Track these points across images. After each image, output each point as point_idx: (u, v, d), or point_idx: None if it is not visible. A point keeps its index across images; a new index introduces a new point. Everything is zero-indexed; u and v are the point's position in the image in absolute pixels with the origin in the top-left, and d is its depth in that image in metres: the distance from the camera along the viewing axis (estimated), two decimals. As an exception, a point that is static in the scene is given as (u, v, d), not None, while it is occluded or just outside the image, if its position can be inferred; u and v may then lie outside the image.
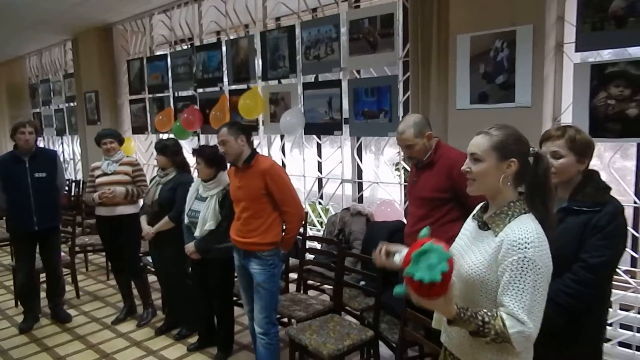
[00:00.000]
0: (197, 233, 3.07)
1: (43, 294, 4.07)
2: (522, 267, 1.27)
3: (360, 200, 4.34)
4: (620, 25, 2.48)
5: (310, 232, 4.38)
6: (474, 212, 1.54)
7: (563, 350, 1.73)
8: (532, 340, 1.28)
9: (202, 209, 3.05)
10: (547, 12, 2.69)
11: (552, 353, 1.68)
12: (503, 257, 1.31)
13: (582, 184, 1.75)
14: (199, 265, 3.17)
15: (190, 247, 3.10)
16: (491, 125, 1.44)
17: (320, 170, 4.91)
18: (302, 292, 3.50)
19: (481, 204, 1.52)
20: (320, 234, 4.33)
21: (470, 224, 1.53)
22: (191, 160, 3.39)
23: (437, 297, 1.22)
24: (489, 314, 1.29)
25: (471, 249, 1.43)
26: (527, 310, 1.25)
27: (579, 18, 2.60)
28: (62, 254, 4.18)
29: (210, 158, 3.05)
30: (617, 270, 2.81)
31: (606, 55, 2.75)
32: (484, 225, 1.43)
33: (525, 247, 1.28)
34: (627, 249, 2.78)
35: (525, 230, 1.30)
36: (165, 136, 5.96)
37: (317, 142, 4.88)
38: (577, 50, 2.67)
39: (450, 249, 1.45)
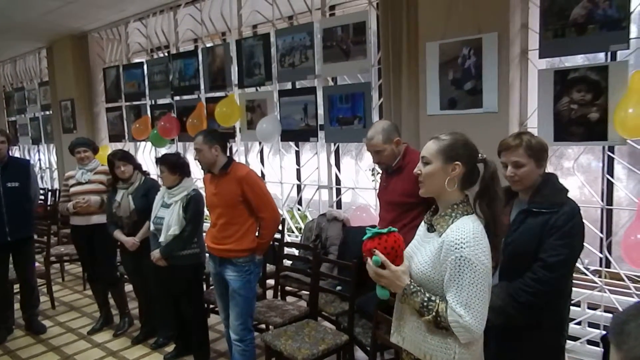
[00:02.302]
0: (161, 239, 3.07)
1: (17, 305, 4.01)
2: (459, 266, 1.35)
3: (339, 205, 4.38)
4: (581, 32, 2.57)
5: (288, 239, 4.40)
6: (425, 215, 1.60)
7: (525, 345, 1.79)
8: (473, 332, 1.35)
9: (167, 214, 3.06)
10: (511, 20, 2.77)
11: (514, 348, 1.73)
12: (444, 257, 1.39)
13: (540, 186, 1.83)
14: (168, 273, 3.15)
15: (155, 253, 3.09)
16: (443, 132, 1.51)
17: (298, 176, 4.93)
18: (279, 298, 3.51)
19: (431, 208, 1.58)
20: (298, 240, 4.35)
21: (421, 228, 1.60)
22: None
23: (370, 248, 1.44)
24: (436, 296, 1.40)
25: (419, 250, 1.51)
26: (464, 305, 1.34)
27: (542, 26, 2.69)
28: (37, 264, 4.12)
29: (173, 164, 3.07)
30: (585, 270, 2.90)
31: (579, 60, 2.84)
32: (430, 227, 1.51)
33: (462, 247, 1.35)
34: (594, 251, 2.88)
35: (462, 231, 1.38)
36: (141, 144, 5.95)
37: (295, 149, 4.92)
38: (540, 57, 2.76)
39: (404, 252, 1.53)
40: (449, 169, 1.45)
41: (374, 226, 1.72)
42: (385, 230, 1.46)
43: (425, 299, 1.40)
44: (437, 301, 1.39)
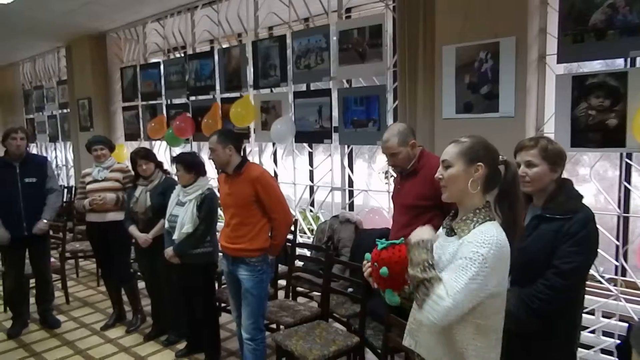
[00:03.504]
0: (175, 236, 3.10)
1: (32, 300, 4.07)
2: (471, 258, 1.33)
3: (351, 207, 4.38)
4: (600, 37, 2.54)
5: (300, 240, 4.41)
6: (445, 220, 1.59)
7: (536, 354, 1.77)
8: (440, 318, 1.32)
9: (181, 212, 3.09)
10: (529, 25, 2.76)
11: (526, 356, 1.72)
12: (461, 252, 1.37)
13: (555, 192, 1.81)
14: (180, 271, 3.18)
15: (169, 251, 3.13)
16: (462, 135, 1.50)
17: (311, 178, 4.95)
18: (290, 298, 3.52)
19: (451, 213, 1.57)
20: (310, 241, 4.36)
21: (440, 234, 1.57)
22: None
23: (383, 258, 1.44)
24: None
25: (438, 255, 1.48)
26: (455, 291, 1.31)
27: (560, 30, 2.67)
28: (52, 259, 4.19)
29: (189, 163, 3.11)
30: (601, 278, 2.87)
31: (596, 67, 2.82)
32: (450, 231, 1.49)
33: (482, 245, 1.33)
34: (610, 259, 2.84)
35: (486, 234, 1.36)
36: (156, 143, 6.01)
37: (309, 151, 4.93)
38: (558, 62, 2.73)
39: None
40: (471, 171, 1.43)
41: (382, 235, 1.72)
42: (398, 242, 1.47)
43: (428, 261, 1.36)
44: (435, 272, 1.35)
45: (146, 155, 3.47)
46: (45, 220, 3.74)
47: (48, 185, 3.83)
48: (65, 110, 7.44)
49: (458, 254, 1.37)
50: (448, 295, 1.31)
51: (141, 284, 4.02)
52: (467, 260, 1.33)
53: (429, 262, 1.37)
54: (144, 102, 5.99)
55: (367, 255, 1.51)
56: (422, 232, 1.44)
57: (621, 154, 2.97)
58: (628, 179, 2.99)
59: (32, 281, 4.04)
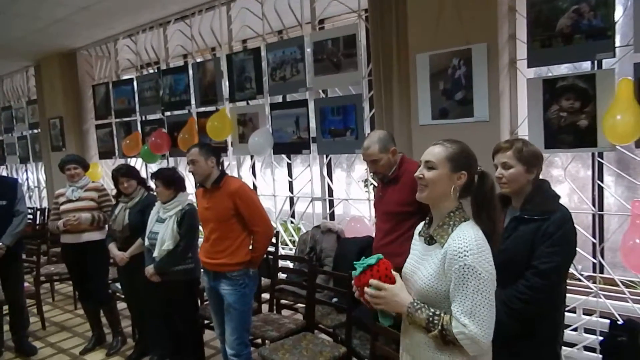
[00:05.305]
0: (155, 254, 3.03)
1: (7, 327, 3.91)
2: (463, 274, 1.33)
3: (332, 217, 4.37)
4: (567, 42, 2.62)
5: (282, 251, 4.38)
6: (419, 229, 1.60)
7: (519, 353, 1.78)
8: (480, 342, 1.32)
9: (161, 229, 3.03)
10: (499, 31, 2.82)
11: (509, 356, 1.73)
12: (448, 267, 1.37)
13: (532, 193, 1.84)
14: (162, 289, 3.11)
15: (149, 269, 3.05)
16: (445, 139, 1.51)
17: (291, 189, 4.93)
18: (275, 312, 3.48)
19: (423, 221, 1.58)
20: (293, 252, 4.33)
21: (417, 243, 1.58)
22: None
23: (367, 281, 1.44)
24: (441, 311, 1.38)
25: (422, 264, 1.48)
26: (468, 314, 1.32)
27: (529, 36, 2.75)
28: (27, 284, 4.05)
29: (168, 179, 3.05)
30: (580, 276, 2.92)
31: (564, 70, 2.90)
32: (430, 240, 1.49)
33: (465, 255, 1.34)
34: (588, 256, 2.90)
35: (465, 239, 1.37)
36: (132, 160, 5.91)
37: (288, 162, 4.92)
38: (529, 66, 2.81)
39: (403, 269, 1.54)
40: (454, 177, 1.44)
41: (364, 244, 1.72)
42: (374, 260, 1.46)
43: (430, 314, 1.38)
44: (442, 315, 1.36)
45: (127, 172, 3.40)
46: (1, 244, 3.55)
47: (16, 207, 3.71)
48: (35, 131, 7.26)
49: (447, 268, 1.37)
50: (465, 325, 1.31)
51: (121, 305, 3.91)
52: (460, 278, 1.34)
53: (431, 314, 1.37)
54: (118, 119, 5.90)
55: (354, 272, 1.51)
56: (395, 298, 1.42)
57: (593, 154, 3.05)
58: (600, 177, 3.06)
59: (6, 308, 3.90)
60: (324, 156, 4.20)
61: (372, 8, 3.41)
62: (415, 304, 1.40)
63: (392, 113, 3.35)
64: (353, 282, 1.51)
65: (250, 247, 2.82)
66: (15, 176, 8.11)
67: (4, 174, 8.23)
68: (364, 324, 2.82)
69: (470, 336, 1.31)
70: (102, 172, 6.20)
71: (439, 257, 1.41)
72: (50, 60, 6.43)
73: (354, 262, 1.50)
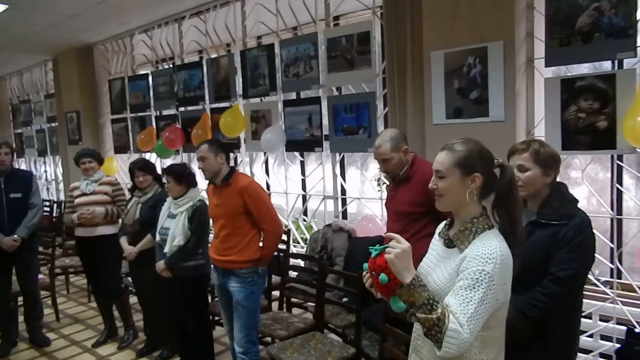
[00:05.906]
0: (166, 249, 3.04)
1: (21, 318, 3.98)
2: (477, 278, 1.27)
3: (345, 216, 4.34)
4: (587, 40, 2.55)
5: (293, 249, 4.37)
6: (439, 229, 1.54)
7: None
8: (460, 348, 1.25)
9: (172, 225, 3.04)
10: (516, 29, 2.75)
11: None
12: (464, 267, 1.32)
13: (549, 197, 1.78)
14: (172, 284, 3.12)
15: (160, 264, 3.06)
16: (456, 140, 1.44)
17: (304, 187, 4.91)
18: (284, 310, 3.47)
19: (445, 220, 1.52)
20: (304, 251, 4.32)
21: (436, 243, 1.53)
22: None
23: (382, 262, 1.32)
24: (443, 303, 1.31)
25: (438, 267, 1.44)
26: (467, 318, 1.25)
27: (547, 34, 2.67)
28: (42, 276, 4.11)
29: (179, 175, 3.06)
30: (597, 281, 2.85)
31: (584, 69, 2.82)
32: (450, 243, 1.43)
33: (487, 262, 1.28)
34: (605, 261, 2.83)
35: (489, 246, 1.31)
36: (147, 155, 5.95)
37: (300, 159, 4.90)
38: (546, 66, 2.73)
39: (419, 267, 1.48)
40: (467, 182, 1.38)
41: (375, 243, 1.67)
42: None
43: (431, 297, 1.29)
44: (439, 305, 1.28)
45: (144, 166, 3.43)
46: (16, 236, 3.61)
47: (30, 200, 3.76)
48: (53, 124, 7.36)
49: (461, 269, 1.32)
50: (462, 326, 1.25)
51: (134, 299, 3.95)
52: (474, 281, 1.27)
53: (433, 299, 1.29)
54: (133, 114, 5.94)
55: (365, 266, 1.47)
56: (408, 257, 1.31)
57: (612, 156, 2.97)
58: (619, 180, 2.98)
59: (21, 299, 3.96)
60: (337, 154, 4.17)
61: (387, 5, 3.36)
62: (420, 280, 1.30)
63: (405, 111, 3.30)
64: (367, 265, 1.41)
65: (261, 245, 2.81)
66: (33, 169, 8.24)
67: (23, 166, 8.38)
68: (373, 324, 2.80)
69: (460, 339, 1.24)
70: (117, 167, 6.25)
71: (457, 262, 1.36)
72: (68, 55, 6.50)
73: (369, 247, 1.43)
